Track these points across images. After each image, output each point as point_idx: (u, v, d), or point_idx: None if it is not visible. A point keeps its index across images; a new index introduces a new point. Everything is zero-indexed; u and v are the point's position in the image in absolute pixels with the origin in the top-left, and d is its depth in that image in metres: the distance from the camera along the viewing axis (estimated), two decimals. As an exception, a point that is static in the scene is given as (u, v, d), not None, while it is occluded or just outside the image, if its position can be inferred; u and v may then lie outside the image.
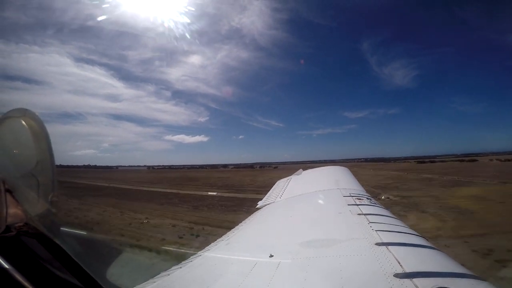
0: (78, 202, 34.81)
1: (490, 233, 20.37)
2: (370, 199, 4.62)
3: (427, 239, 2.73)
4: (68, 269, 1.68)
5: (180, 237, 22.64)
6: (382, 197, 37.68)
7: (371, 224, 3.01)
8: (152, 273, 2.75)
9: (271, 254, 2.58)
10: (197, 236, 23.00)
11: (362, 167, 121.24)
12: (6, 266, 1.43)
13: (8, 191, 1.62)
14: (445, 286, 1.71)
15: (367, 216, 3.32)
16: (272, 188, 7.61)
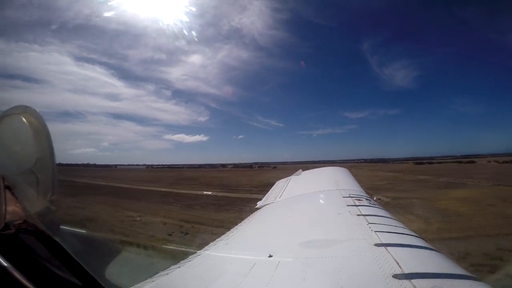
0: (74, 200, 34.63)
1: (471, 236, 20.53)
2: (370, 200, 4.64)
3: (426, 240, 2.75)
4: (67, 267, 1.68)
5: (169, 234, 23.16)
6: (374, 198, 37.83)
7: (370, 225, 3.01)
8: (152, 273, 2.77)
9: (270, 254, 2.57)
10: (186, 233, 23.57)
11: (360, 167, 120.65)
12: (5, 264, 1.43)
13: (7, 188, 1.62)
14: (443, 287, 1.73)
15: (366, 217, 3.32)
16: (272, 189, 7.63)
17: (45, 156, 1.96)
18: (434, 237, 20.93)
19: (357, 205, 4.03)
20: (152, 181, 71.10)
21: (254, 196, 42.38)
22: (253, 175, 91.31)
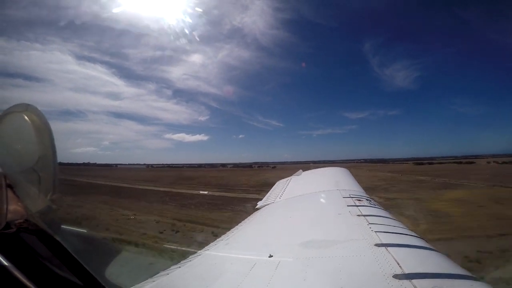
0: (72, 199, 34.76)
1: (456, 237, 20.57)
2: (370, 200, 4.64)
3: (426, 241, 2.75)
4: (68, 266, 1.67)
5: (161, 232, 23.63)
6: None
7: (370, 225, 3.01)
8: (152, 272, 2.77)
9: (270, 254, 2.57)
10: (177, 231, 24.03)
11: (360, 168, 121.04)
12: (6, 263, 1.42)
13: (9, 186, 1.62)
14: (444, 287, 1.74)
15: (367, 217, 3.32)
16: (272, 189, 7.63)
17: (47, 154, 1.96)
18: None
19: (357, 206, 4.03)
20: (150, 181, 71.39)
21: (250, 196, 42.95)
22: (252, 175, 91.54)
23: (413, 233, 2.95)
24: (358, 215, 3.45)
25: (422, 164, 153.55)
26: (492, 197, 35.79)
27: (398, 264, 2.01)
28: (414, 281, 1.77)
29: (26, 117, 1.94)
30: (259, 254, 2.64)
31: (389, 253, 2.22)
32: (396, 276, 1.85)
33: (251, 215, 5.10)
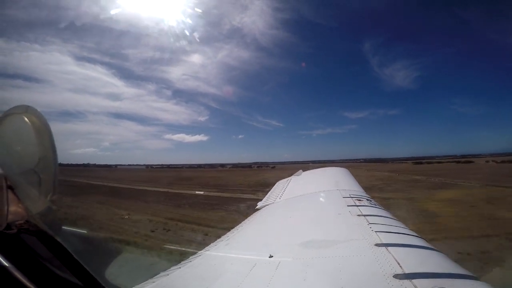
0: (68, 200, 35.00)
1: (439, 238, 20.35)
2: (370, 200, 4.65)
3: (426, 240, 2.75)
4: (68, 267, 1.68)
5: (152, 231, 24.05)
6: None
7: (370, 225, 3.02)
8: (152, 273, 2.77)
9: (270, 255, 2.57)
10: (168, 230, 24.49)
11: (358, 167, 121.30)
12: (6, 264, 1.43)
13: (9, 188, 1.62)
14: (444, 287, 1.74)
15: (367, 217, 3.32)
16: (272, 189, 7.66)
17: (47, 156, 1.96)
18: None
19: (357, 205, 4.04)
20: (149, 181, 71.37)
21: (245, 196, 43.17)
22: (250, 175, 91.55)
23: (413, 233, 2.96)
24: (358, 215, 3.46)
25: (421, 163, 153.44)
26: (485, 197, 35.82)
27: (399, 264, 2.01)
28: (414, 281, 1.78)
29: (26, 119, 1.95)
30: (259, 254, 2.65)
31: (390, 253, 2.22)
32: (396, 276, 1.86)
33: (251, 216, 5.08)
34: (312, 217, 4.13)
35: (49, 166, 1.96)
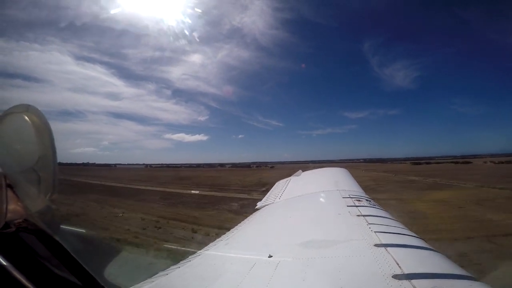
0: (65, 198, 35.30)
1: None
2: (370, 201, 4.65)
3: (425, 241, 2.76)
4: (67, 266, 1.67)
5: (144, 229, 24.65)
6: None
7: (370, 225, 3.02)
8: (151, 272, 2.77)
9: (270, 254, 2.57)
10: (159, 228, 25.09)
11: (357, 167, 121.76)
12: (5, 263, 1.42)
13: (9, 186, 1.61)
14: (443, 287, 1.75)
15: (366, 218, 3.32)
16: (272, 189, 7.66)
17: (47, 154, 1.96)
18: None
19: (357, 206, 4.03)
20: (146, 181, 71.82)
21: (240, 195, 43.99)
22: (248, 175, 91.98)
23: (412, 234, 2.96)
24: (357, 215, 3.46)
25: (419, 164, 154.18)
26: (475, 198, 35.95)
27: (398, 264, 2.02)
28: (413, 281, 1.78)
29: (26, 118, 1.95)
30: (258, 254, 2.64)
31: (389, 253, 2.23)
32: (395, 276, 1.86)
33: (250, 215, 5.08)
34: (312, 217, 4.13)
35: (48, 165, 1.96)
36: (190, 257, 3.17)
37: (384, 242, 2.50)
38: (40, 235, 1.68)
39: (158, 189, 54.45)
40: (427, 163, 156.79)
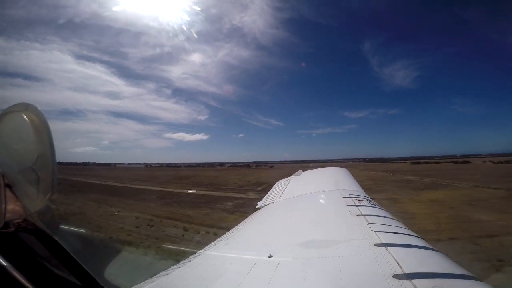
0: (63, 197, 35.67)
1: None
2: (370, 200, 4.65)
3: (426, 240, 2.76)
4: (67, 266, 1.67)
5: (137, 227, 25.31)
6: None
7: (370, 225, 3.02)
8: (151, 272, 2.78)
9: (270, 254, 2.57)
10: (152, 226, 25.73)
11: (356, 167, 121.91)
12: (4, 263, 1.42)
13: (7, 186, 1.61)
14: (444, 287, 1.74)
15: (366, 217, 3.33)
16: (272, 189, 7.68)
17: (46, 154, 1.95)
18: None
19: (357, 205, 4.04)
20: (145, 180, 72.02)
21: (236, 195, 44.55)
22: (246, 174, 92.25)
23: (413, 233, 2.97)
24: (358, 215, 3.47)
25: (419, 163, 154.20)
26: (468, 198, 36.01)
27: (398, 264, 2.02)
28: (414, 281, 1.79)
29: (25, 117, 1.94)
30: (259, 254, 2.65)
31: (389, 253, 2.23)
32: (396, 276, 1.87)
33: (251, 215, 5.08)
34: (312, 217, 4.13)
35: (47, 164, 1.95)
36: (190, 257, 3.17)
37: (384, 241, 2.50)
38: (39, 235, 1.68)
39: (156, 188, 54.70)
40: (426, 163, 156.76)
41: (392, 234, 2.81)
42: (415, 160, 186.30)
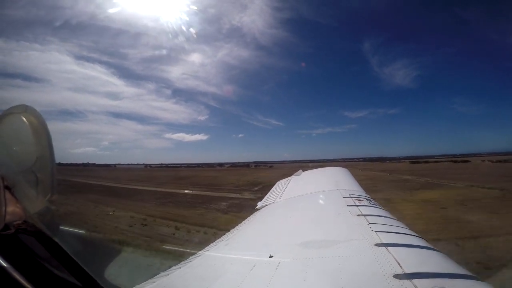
0: (63, 198, 36.70)
1: None
2: (370, 200, 4.65)
3: (426, 240, 2.75)
4: (67, 267, 1.68)
5: (130, 226, 25.92)
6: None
7: (370, 225, 3.01)
8: (152, 273, 2.79)
9: (270, 255, 2.57)
10: (145, 225, 26.37)
11: (355, 167, 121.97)
12: (4, 264, 1.42)
13: (7, 187, 1.61)
14: (445, 287, 1.73)
15: (367, 217, 3.32)
16: (272, 189, 7.66)
17: (45, 155, 1.96)
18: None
19: (357, 205, 4.04)
20: (143, 181, 72.24)
21: (232, 195, 44.67)
22: (245, 175, 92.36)
23: (413, 233, 2.97)
24: (358, 215, 3.46)
25: (418, 163, 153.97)
26: (461, 198, 35.97)
27: (399, 264, 2.01)
28: (414, 280, 1.78)
29: (24, 119, 1.95)
30: (259, 255, 2.64)
31: (390, 253, 2.22)
32: (396, 276, 1.86)
33: (251, 215, 5.07)
34: (312, 217, 4.13)
35: (46, 166, 1.96)
36: (190, 257, 3.17)
37: (384, 241, 2.50)
38: (39, 236, 1.68)
39: (154, 189, 54.86)
40: (425, 162, 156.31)
41: (392, 234, 2.81)
42: (415, 160, 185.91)
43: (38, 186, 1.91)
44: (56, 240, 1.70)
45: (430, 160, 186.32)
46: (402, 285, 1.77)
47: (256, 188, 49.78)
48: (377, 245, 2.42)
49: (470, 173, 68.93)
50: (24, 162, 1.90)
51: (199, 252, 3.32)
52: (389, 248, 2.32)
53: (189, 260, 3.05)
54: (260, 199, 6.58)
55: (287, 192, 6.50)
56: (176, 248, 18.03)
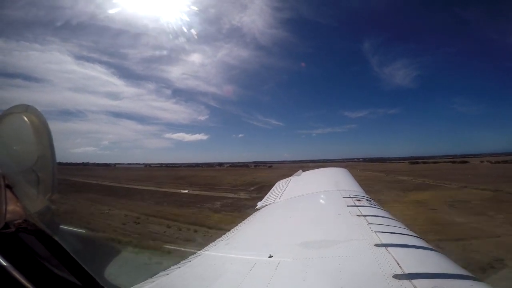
0: (59, 196, 36.68)
1: None
2: (370, 201, 4.66)
3: (426, 241, 2.75)
4: (67, 267, 1.68)
5: (123, 224, 26.41)
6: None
7: (370, 225, 3.01)
8: (151, 272, 2.79)
9: (270, 255, 2.57)
10: (138, 223, 26.83)
11: (354, 167, 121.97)
12: (4, 263, 1.42)
13: (8, 186, 1.62)
14: (444, 287, 1.74)
15: (367, 217, 3.32)
16: (272, 189, 7.68)
17: (46, 155, 1.97)
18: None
19: (357, 206, 4.03)
20: (143, 180, 72.58)
21: (227, 194, 45.14)
22: (243, 175, 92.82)
23: (413, 233, 2.97)
24: (358, 215, 3.46)
25: (417, 163, 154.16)
26: (453, 199, 36.16)
27: (398, 264, 2.01)
28: (414, 281, 1.78)
29: (25, 118, 1.96)
30: (259, 254, 2.64)
31: (389, 253, 2.22)
32: (396, 276, 1.86)
33: (251, 215, 5.08)
34: (312, 217, 4.13)
35: (47, 165, 1.97)
36: (190, 257, 3.16)
37: (384, 242, 2.50)
38: (39, 235, 1.68)
39: (152, 188, 55.11)
40: (424, 163, 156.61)
41: (392, 235, 2.81)
42: (414, 160, 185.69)
43: (39, 185, 1.91)
44: (56, 239, 1.70)
45: (430, 160, 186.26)
46: (401, 285, 1.77)
47: (252, 188, 50.00)
48: (377, 245, 2.42)
49: (467, 174, 69.10)
50: (25, 162, 1.91)
51: (199, 251, 3.31)
52: (389, 248, 2.33)
53: (189, 260, 3.05)
54: (255, 198, 6.60)
55: (287, 192, 6.51)
56: (167, 246, 18.23)
